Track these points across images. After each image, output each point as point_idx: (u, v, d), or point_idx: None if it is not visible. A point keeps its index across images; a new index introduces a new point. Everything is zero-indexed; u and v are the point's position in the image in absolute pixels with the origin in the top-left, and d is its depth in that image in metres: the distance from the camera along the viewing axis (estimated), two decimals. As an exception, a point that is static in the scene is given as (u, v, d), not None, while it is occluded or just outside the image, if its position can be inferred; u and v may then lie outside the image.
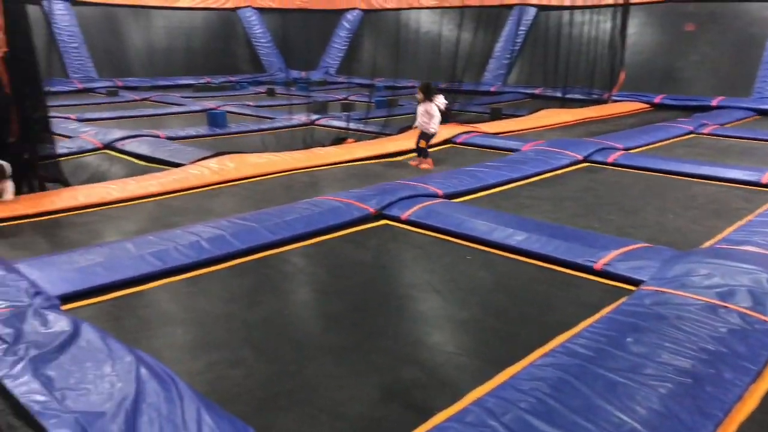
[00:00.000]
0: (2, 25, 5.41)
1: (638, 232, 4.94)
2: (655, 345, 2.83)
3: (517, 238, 4.50)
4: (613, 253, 4.12)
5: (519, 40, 17.03)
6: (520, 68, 17.08)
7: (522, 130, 10.20)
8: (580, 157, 7.54)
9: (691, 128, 9.91)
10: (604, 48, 13.33)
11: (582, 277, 4.00)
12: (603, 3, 13.83)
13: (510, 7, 17.03)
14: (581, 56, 13.02)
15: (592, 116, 11.91)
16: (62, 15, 16.63)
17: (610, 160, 7.49)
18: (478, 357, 3.03)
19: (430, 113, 7.38)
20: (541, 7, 16.99)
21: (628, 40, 14.14)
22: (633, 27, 14.57)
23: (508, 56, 17.10)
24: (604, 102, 13.46)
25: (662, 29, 14.92)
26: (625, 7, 13.68)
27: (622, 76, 14.08)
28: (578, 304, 3.62)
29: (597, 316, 3.36)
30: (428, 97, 7.40)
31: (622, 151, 7.93)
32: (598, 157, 7.62)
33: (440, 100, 7.54)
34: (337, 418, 2.51)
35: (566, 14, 13.84)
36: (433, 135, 7.50)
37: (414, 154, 7.63)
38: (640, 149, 8.43)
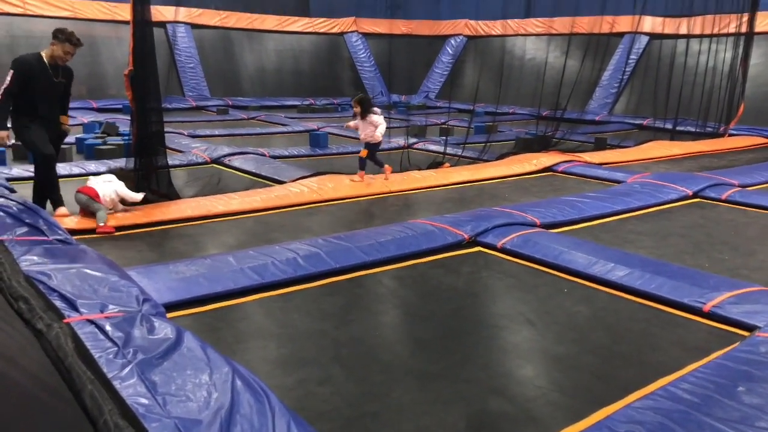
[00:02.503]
0: (131, 47, 5.86)
1: (754, 274, 4.59)
2: (770, 398, 2.60)
3: (618, 273, 4.30)
4: (725, 295, 3.85)
5: (628, 69, 16.44)
6: (628, 98, 16.49)
7: (627, 161, 9.80)
8: (689, 192, 7.14)
9: (817, 165, 9.15)
10: (722, 79, 12.61)
11: (688, 318, 3.76)
12: (722, 32, 13.11)
13: (620, 35, 16.54)
14: (696, 87, 12.37)
15: (705, 150, 11.26)
16: (182, 37, 17.81)
17: (723, 196, 7.04)
18: (571, 394, 2.90)
19: (374, 124, 7.24)
20: (654, 36, 16.37)
21: (750, 71, 13.30)
22: (756, 57, 13.70)
23: (616, 85, 16.57)
24: (720, 136, 12.68)
25: (788, 59, 13.97)
26: (748, 36, 12.88)
27: (742, 108, 13.24)
28: (683, 346, 3.40)
29: (704, 360, 3.14)
30: (365, 111, 7.23)
31: (738, 188, 7.43)
32: (710, 193, 7.19)
33: (378, 119, 7.28)
34: (422, 446, 2.47)
35: (681, 43, 13.23)
36: (379, 143, 7.42)
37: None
38: (759, 186, 7.86)
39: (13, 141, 5.71)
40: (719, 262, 4.91)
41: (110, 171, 6.07)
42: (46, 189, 5.51)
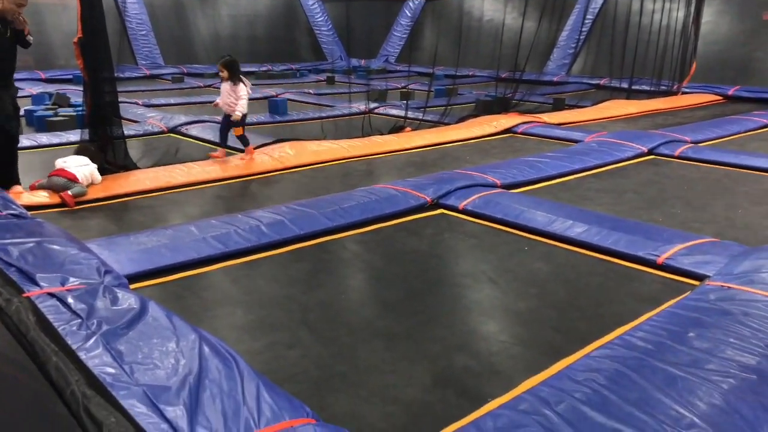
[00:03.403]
0: (79, 13, 5.65)
1: (705, 227, 4.76)
2: (718, 341, 2.74)
3: (577, 230, 4.42)
4: (677, 247, 4.00)
5: (585, 29, 16.57)
6: (585, 58, 16.64)
7: (585, 121, 9.97)
8: (644, 150, 7.31)
9: (766, 121, 9.46)
10: (675, 37, 12.82)
11: (643, 271, 3.90)
12: (676, -10, 13.27)
13: (576, -6, 16.60)
14: (650, 46, 12.55)
15: (660, 108, 11.51)
16: (132, 4, 17.20)
17: (676, 153, 7.24)
18: (533, 347, 3.00)
19: (237, 94, 6.51)
20: (610, -6, 16.46)
21: (702, 29, 13.54)
22: (708, 15, 13.93)
23: (573, 45, 16.68)
24: (674, 94, 12.96)
25: (739, 18, 14.22)
26: (700, -5, 13.09)
27: (694, 66, 13.51)
28: (638, 298, 3.54)
29: (658, 310, 3.27)
30: (234, 76, 6.50)
31: (690, 144, 7.65)
32: (664, 150, 7.38)
33: (243, 91, 6.54)
34: (389, 402, 2.54)
35: (636, 2, 13.34)
36: (242, 119, 6.59)
37: (215, 147, 6.78)
38: (710, 143, 8.10)
39: None
40: (672, 216, 5.08)
41: (77, 149, 5.85)
42: (4, 166, 5.21)
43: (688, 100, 12.42)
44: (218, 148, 6.99)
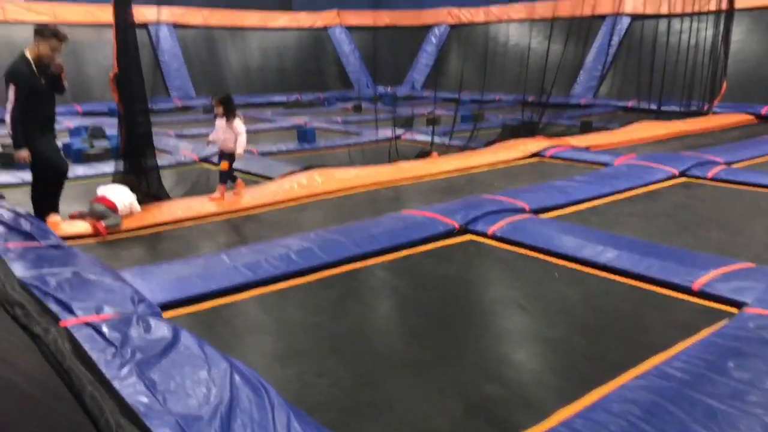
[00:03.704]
0: (115, 49, 5.84)
1: (742, 251, 4.65)
2: (760, 371, 2.66)
3: (608, 256, 4.36)
4: (713, 273, 3.91)
5: (611, 51, 16.48)
6: (612, 80, 16.55)
7: (613, 143, 9.87)
8: (676, 172, 7.21)
9: (801, 141, 9.26)
10: (704, 57, 12.68)
11: (678, 298, 3.83)
12: (704, 10, 13.16)
13: (602, 17, 16.55)
14: (678, 66, 12.44)
15: (690, 129, 11.34)
16: (166, 38, 17.67)
17: (709, 175, 7.12)
18: (565, 376, 2.95)
19: (235, 130, 6.23)
20: (636, 16, 16.41)
21: (732, 47, 13.37)
22: (737, 34, 13.77)
23: (600, 68, 16.61)
24: (704, 114, 12.77)
25: (771, 36, 14.04)
26: (729, 14, 12.93)
27: (724, 86, 13.32)
28: (674, 325, 3.46)
29: (694, 338, 3.20)
30: (230, 112, 6.24)
31: (724, 166, 7.51)
32: (696, 172, 7.26)
33: (240, 127, 6.25)
34: (420, 432, 2.52)
35: (663, 23, 13.28)
36: (236, 156, 6.29)
37: (215, 193, 6.24)
38: (744, 163, 7.95)
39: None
40: (707, 240, 4.98)
41: (114, 179, 6.00)
42: (49, 197, 5.35)
43: (719, 121, 12.22)
44: (218, 184, 6.48)
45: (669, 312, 3.65)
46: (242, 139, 6.25)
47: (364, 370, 3.03)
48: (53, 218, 5.31)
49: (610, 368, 2.98)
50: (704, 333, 3.25)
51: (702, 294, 3.78)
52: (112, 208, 5.39)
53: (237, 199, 6.25)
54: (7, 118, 4.97)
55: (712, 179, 7.03)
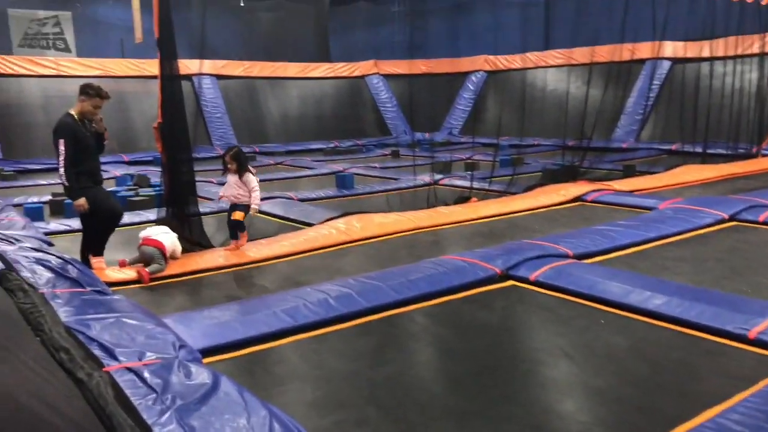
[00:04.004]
0: (160, 100, 6.04)
1: (798, 297, 4.45)
2: (826, 427, 2.50)
3: (656, 302, 4.21)
4: (770, 321, 3.74)
5: (652, 95, 16.36)
6: (654, 123, 16.38)
7: (658, 187, 9.67)
8: (725, 216, 7.00)
9: None
10: (750, 99, 12.45)
11: (732, 346, 3.65)
12: (746, 53, 12.99)
13: (642, 61, 16.51)
14: (723, 109, 12.24)
15: (739, 172, 11.05)
16: (208, 88, 18.29)
17: (761, 218, 6.88)
18: (615, 429, 2.82)
19: (249, 186, 6.06)
20: (677, 60, 16.30)
21: (779, 89, 13.12)
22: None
23: (641, 111, 16.47)
24: (753, 156, 12.45)
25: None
26: (774, 55, 12.76)
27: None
28: (729, 375, 3.29)
29: (752, 389, 3.04)
30: (242, 167, 6.06)
31: (775, 209, 7.27)
32: (746, 216, 7.03)
33: (253, 181, 6.09)
34: (464, 487, 2.42)
35: (705, 66, 13.14)
36: (248, 207, 6.07)
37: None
38: (796, 206, 7.68)
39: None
40: (761, 286, 4.78)
41: (156, 222, 6.17)
42: (96, 242, 5.54)
43: (768, 163, 11.92)
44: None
45: (723, 361, 3.49)
46: (257, 194, 6.11)
47: (405, 420, 2.96)
48: (98, 261, 5.44)
49: (663, 421, 2.84)
50: (762, 384, 3.08)
51: (759, 343, 3.60)
52: (161, 248, 5.50)
53: (240, 251, 6.06)
54: (61, 170, 5.23)
55: (764, 223, 6.80)
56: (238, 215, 6.03)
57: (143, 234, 5.65)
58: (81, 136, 5.29)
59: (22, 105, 15.70)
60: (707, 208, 7.16)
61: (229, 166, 6.10)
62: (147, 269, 5.33)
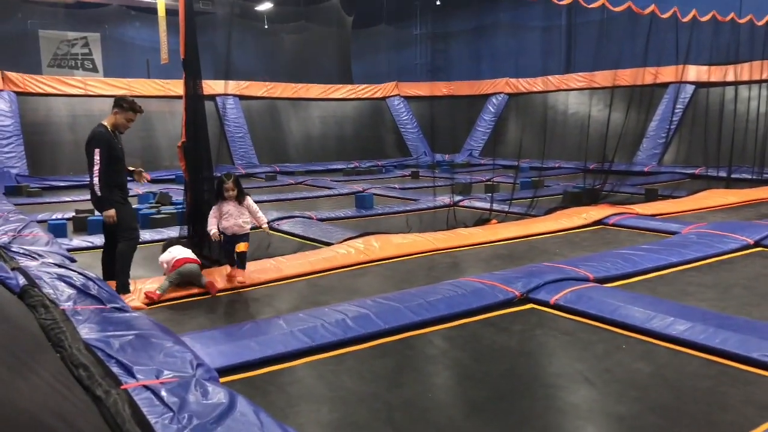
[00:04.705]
0: (184, 119, 6.13)
1: (827, 325, 4.34)
2: None
3: (679, 328, 4.13)
4: (797, 349, 3.64)
5: (675, 119, 16.24)
6: (678, 147, 16.23)
7: (681, 211, 9.55)
8: (751, 241, 6.87)
9: None
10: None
11: (759, 374, 3.56)
12: (771, 77, 12.88)
13: (665, 85, 16.42)
14: (748, 133, 12.10)
15: (764, 197, 10.89)
16: (231, 108, 18.53)
17: (787, 244, 6.76)
18: (637, 459, 2.75)
19: (252, 209, 5.89)
20: (700, 84, 16.19)
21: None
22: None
23: (664, 135, 16.34)
24: (779, 181, 12.30)
25: None
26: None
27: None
28: (757, 405, 3.20)
29: (780, 420, 2.95)
30: (241, 194, 5.81)
31: (802, 234, 7.13)
32: (772, 241, 6.91)
33: (252, 203, 5.94)
34: None
35: (729, 90, 13.02)
36: (247, 236, 5.87)
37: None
38: (824, 232, 7.52)
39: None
40: (788, 313, 4.67)
41: (168, 242, 6.20)
42: (118, 268, 5.38)
43: (794, 188, 11.71)
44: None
45: (750, 390, 3.39)
46: (261, 214, 6.00)
47: (422, 444, 2.91)
48: (131, 302, 5.08)
49: (687, 451, 2.76)
50: (792, 415, 3.00)
51: (786, 372, 3.51)
52: (197, 263, 5.60)
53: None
54: (95, 179, 5.23)
55: (790, 249, 6.67)
56: (243, 246, 5.74)
57: (168, 257, 5.65)
58: (114, 147, 5.34)
59: (49, 123, 16.04)
60: (732, 233, 7.04)
61: (230, 192, 5.76)
62: (157, 291, 5.29)
